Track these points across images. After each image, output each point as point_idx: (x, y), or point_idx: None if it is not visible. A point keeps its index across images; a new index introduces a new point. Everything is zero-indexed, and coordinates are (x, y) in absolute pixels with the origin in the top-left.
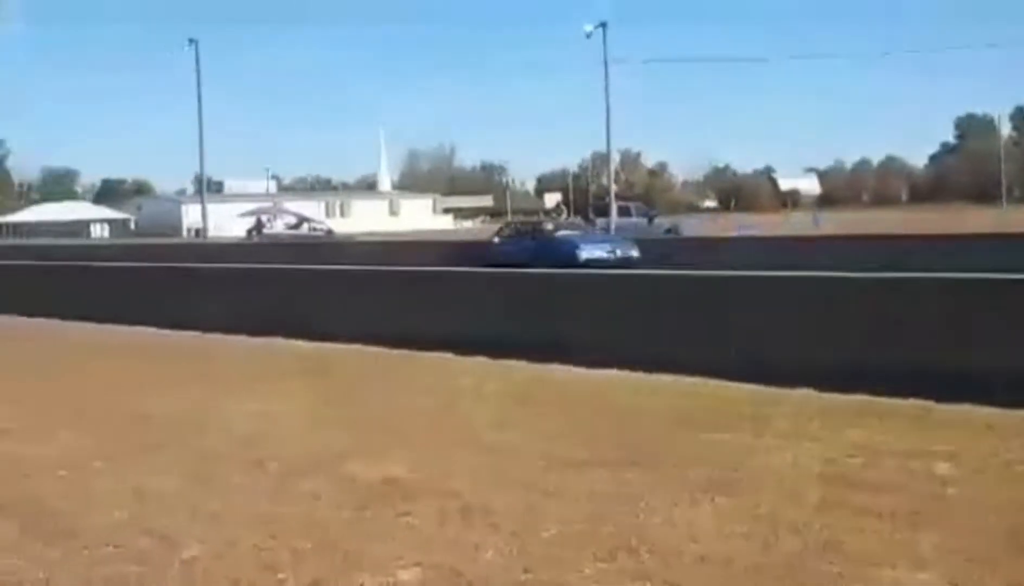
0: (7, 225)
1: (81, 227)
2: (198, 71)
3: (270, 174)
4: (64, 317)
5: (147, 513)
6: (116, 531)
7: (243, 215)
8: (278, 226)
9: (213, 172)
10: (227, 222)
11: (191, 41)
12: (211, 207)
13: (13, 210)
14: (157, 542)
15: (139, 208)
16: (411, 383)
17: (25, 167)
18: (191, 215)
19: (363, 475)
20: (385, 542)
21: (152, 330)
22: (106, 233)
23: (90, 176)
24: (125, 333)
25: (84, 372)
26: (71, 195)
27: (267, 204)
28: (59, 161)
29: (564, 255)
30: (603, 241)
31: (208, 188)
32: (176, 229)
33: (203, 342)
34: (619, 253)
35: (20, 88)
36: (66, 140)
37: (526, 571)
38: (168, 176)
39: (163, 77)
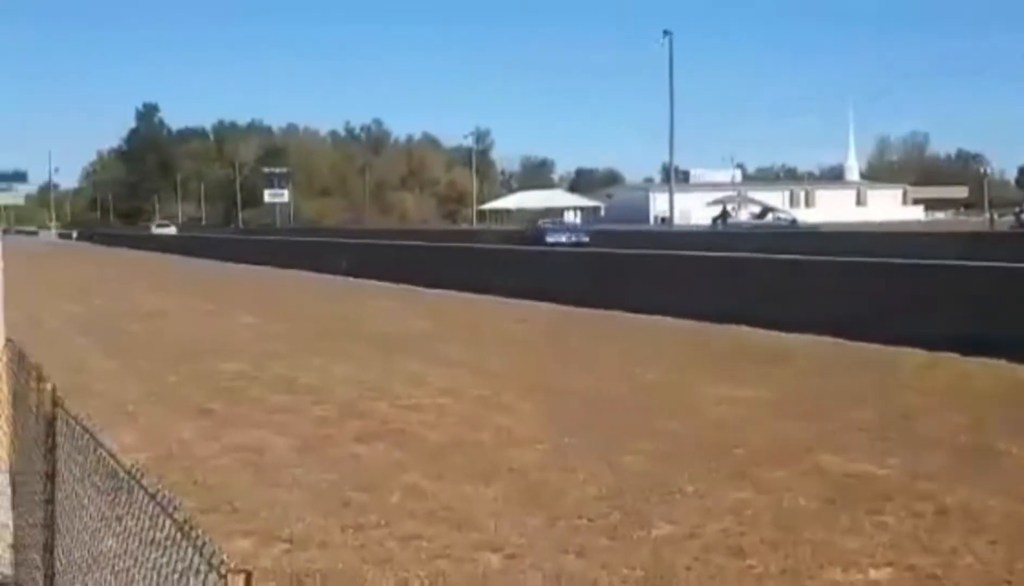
0: (490, 211)
1: (555, 214)
2: (671, 63)
3: (735, 163)
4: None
5: (620, 488)
6: (591, 504)
7: (709, 204)
8: (743, 215)
9: (680, 161)
10: (693, 211)
11: (665, 33)
12: (677, 196)
13: (495, 197)
14: (628, 517)
15: (609, 196)
16: (891, 380)
17: (507, 157)
18: (658, 204)
19: (832, 468)
20: (855, 537)
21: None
22: (578, 220)
23: (566, 166)
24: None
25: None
26: (548, 183)
27: (732, 193)
28: (538, 151)
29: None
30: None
31: (674, 177)
32: (643, 217)
33: (636, 320)
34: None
35: (500, 83)
36: (545, 131)
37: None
38: (637, 165)
39: (635, 67)
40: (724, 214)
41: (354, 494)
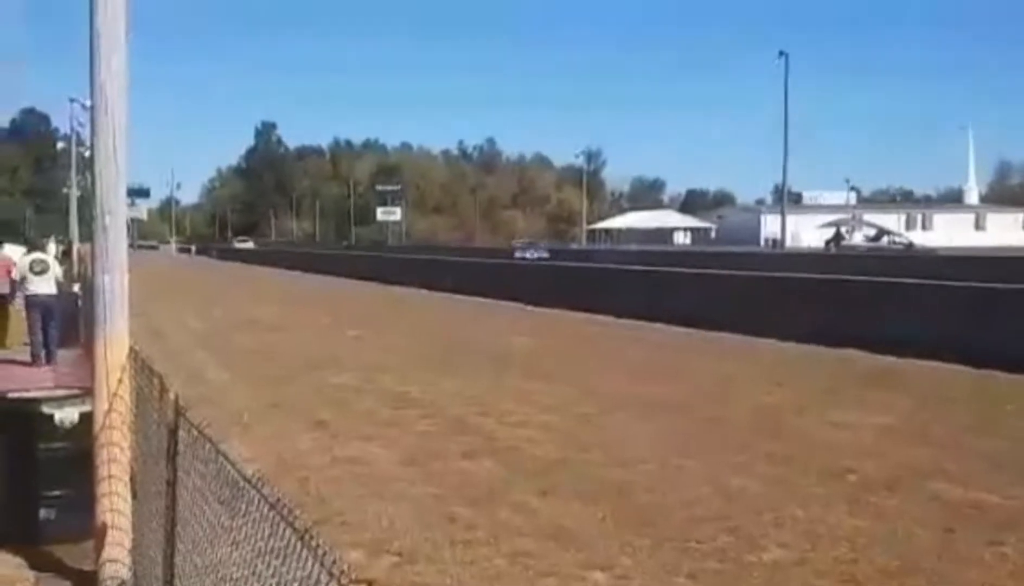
0: (599, 231)
1: (665, 234)
2: (786, 84)
3: (849, 185)
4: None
5: (730, 511)
6: (700, 526)
7: (821, 226)
8: (857, 238)
9: (792, 182)
10: (804, 233)
11: (781, 54)
12: (790, 218)
13: (605, 217)
14: (738, 540)
15: (719, 217)
16: (1012, 407)
17: (618, 177)
18: (769, 225)
19: (950, 496)
20: (974, 568)
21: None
22: (688, 240)
23: (676, 186)
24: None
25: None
26: (658, 204)
27: (846, 216)
28: (649, 172)
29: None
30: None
31: (786, 199)
32: (754, 238)
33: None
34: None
35: (612, 103)
36: (656, 152)
37: None
38: (749, 186)
39: (747, 86)
40: (838, 236)
41: (461, 509)
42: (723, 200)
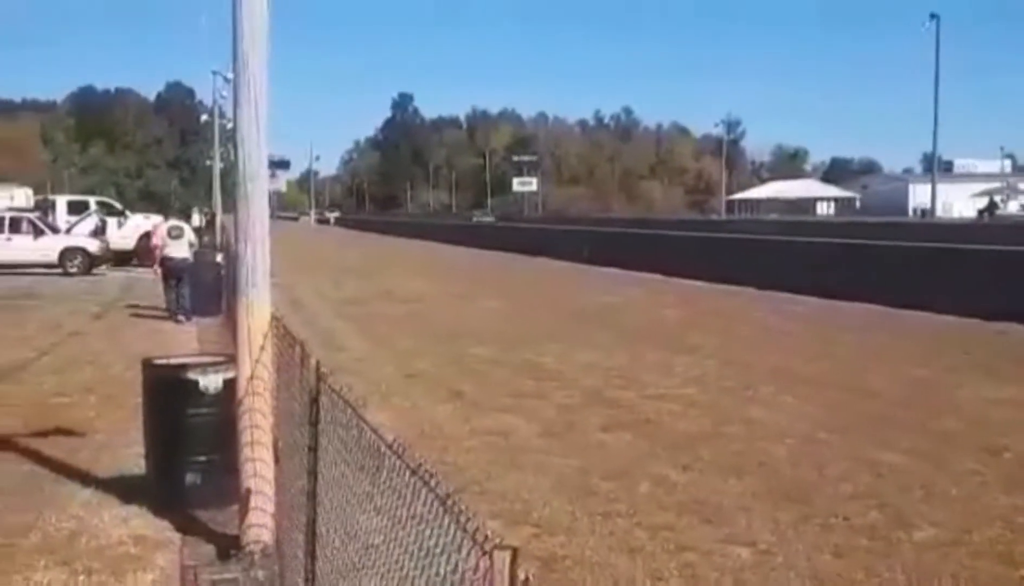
0: (739, 202)
1: (807, 204)
2: (937, 48)
3: (1004, 153)
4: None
5: (878, 488)
6: (847, 502)
7: (974, 196)
8: (1012, 207)
9: (943, 150)
10: (956, 202)
11: (932, 16)
12: (940, 187)
13: (745, 188)
14: (887, 518)
15: (864, 187)
16: None
17: (758, 146)
18: (918, 195)
19: None
20: None
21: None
22: (831, 211)
23: (820, 155)
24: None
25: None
26: (800, 174)
27: (1000, 185)
28: (791, 141)
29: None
30: None
31: (937, 167)
32: (902, 209)
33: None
34: None
35: (753, 71)
36: (798, 120)
37: None
38: (896, 154)
39: (896, 49)
40: (992, 206)
41: (601, 482)
42: (868, 169)
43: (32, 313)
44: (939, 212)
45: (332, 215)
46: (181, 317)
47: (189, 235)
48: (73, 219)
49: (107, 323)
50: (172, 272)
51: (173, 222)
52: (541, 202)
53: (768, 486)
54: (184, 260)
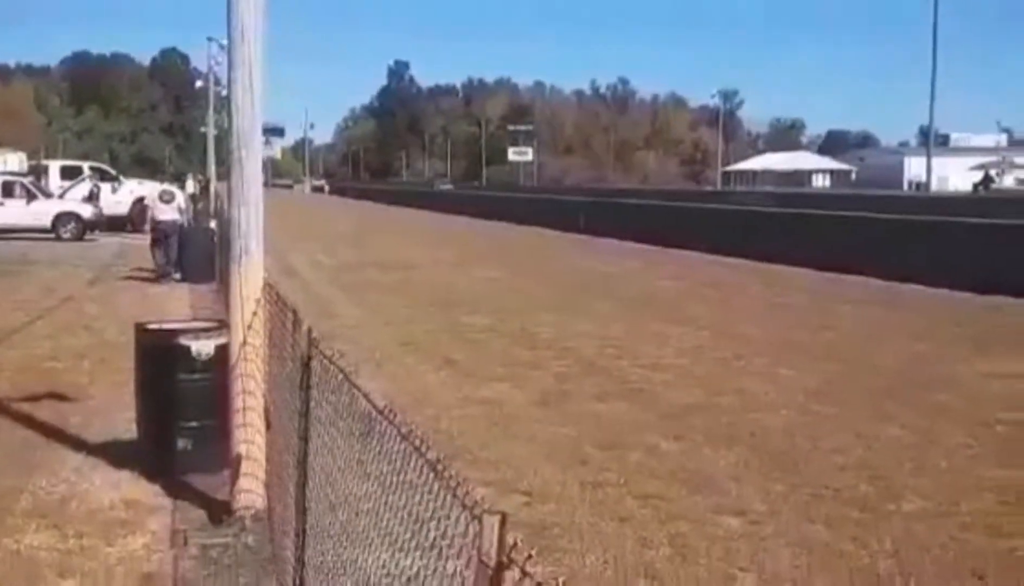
0: (735, 173)
1: (802, 177)
2: (935, 21)
3: (1001, 127)
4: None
5: (870, 460)
6: (838, 474)
7: (971, 169)
8: (1008, 181)
9: (939, 124)
10: (952, 177)
11: None
12: (936, 161)
13: (742, 159)
14: (878, 489)
15: (861, 160)
16: None
17: (755, 117)
18: (913, 168)
19: None
20: None
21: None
22: (827, 183)
23: (816, 127)
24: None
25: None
26: (796, 146)
27: (996, 158)
28: (788, 112)
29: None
30: None
31: (933, 141)
32: (897, 182)
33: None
34: None
35: (750, 41)
36: (795, 92)
37: None
38: (893, 128)
39: (895, 21)
40: (987, 179)
41: (593, 451)
42: (865, 142)
43: (25, 278)
44: (935, 186)
45: (318, 182)
46: (175, 274)
47: (179, 200)
48: (67, 184)
49: (100, 288)
50: (162, 234)
51: (165, 186)
52: (536, 172)
53: (760, 457)
54: (173, 222)
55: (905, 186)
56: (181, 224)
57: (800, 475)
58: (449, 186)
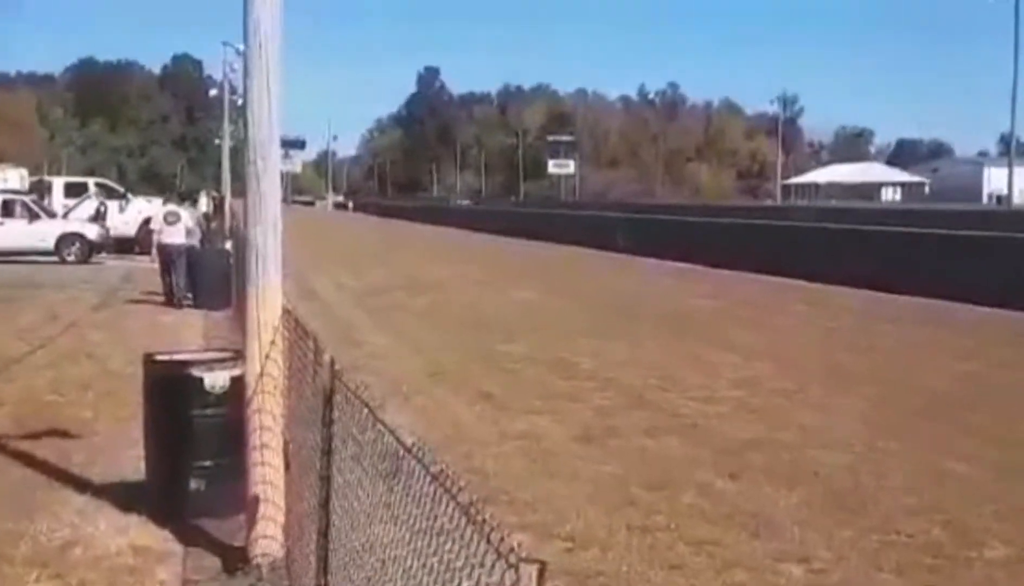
0: (795, 186)
1: (871, 190)
2: (1016, 17)
3: None
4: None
5: (944, 500)
6: (910, 517)
7: None
8: None
9: (1021, 131)
10: None
11: None
12: (1018, 171)
13: (803, 171)
14: (954, 534)
15: (934, 171)
16: None
17: (817, 126)
18: (993, 180)
19: None
20: None
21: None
22: (897, 197)
23: (886, 136)
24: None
25: None
26: (863, 156)
27: None
28: (853, 120)
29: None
30: None
31: (1015, 149)
32: (975, 195)
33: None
34: None
35: (811, 43)
36: (861, 97)
37: None
38: (970, 136)
39: (971, 20)
40: None
41: (640, 492)
42: (939, 151)
43: (26, 303)
44: (1017, 199)
45: (340, 198)
46: (186, 300)
47: (187, 220)
48: (71, 202)
49: (106, 314)
50: (169, 258)
51: (170, 207)
52: (578, 186)
53: (824, 497)
54: (180, 246)
55: (984, 199)
56: (190, 247)
57: (868, 517)
58: (466, 202)
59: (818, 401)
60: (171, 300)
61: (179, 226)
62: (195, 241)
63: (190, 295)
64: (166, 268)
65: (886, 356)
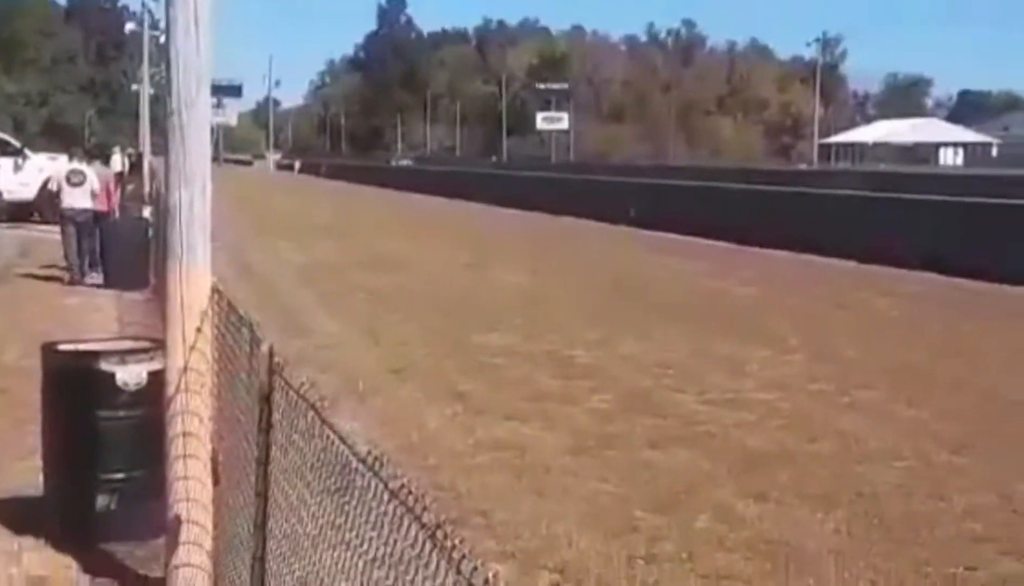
0: (837, 146)
1: (928, 151)
2: None
3: None
4: None
5: (1017, 525)
6: (974, 546)
7: None
8: None
9: None
10: None
11: None
12: None
13: (846, 128)
14: None
15: (1005, 129)
16: None
17: (864, 73)
18: None
19: None
20: None
21: None
22: (959, 160)
23: (945, 86)
24: None
25: None
26: (919, 110)
27: None
28: (907, 66)
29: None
30: None
31: None
32: None
33: None
34: None
35: None
36: (917, 39)
37: None
38: None
39: None
40: None
41: (645, 514)
42: (1011, 105)
43: None
44: None
45: (283, 157)
46: (93, 277)
47: (93, 181)
48: None
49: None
50: (73, 225)
51: (74, 165)
52: (573, 144)
53: (869, 523)
54: (85, 210)
55: None
56: (96, 212)
57: (922, 547)
58: (408, 162)
59: (867, 406)
60: (76, 276)
61: (84, 188)
62: (100, 206)
63: (100, 271)
64: (69, 238)
65: (963, 356)
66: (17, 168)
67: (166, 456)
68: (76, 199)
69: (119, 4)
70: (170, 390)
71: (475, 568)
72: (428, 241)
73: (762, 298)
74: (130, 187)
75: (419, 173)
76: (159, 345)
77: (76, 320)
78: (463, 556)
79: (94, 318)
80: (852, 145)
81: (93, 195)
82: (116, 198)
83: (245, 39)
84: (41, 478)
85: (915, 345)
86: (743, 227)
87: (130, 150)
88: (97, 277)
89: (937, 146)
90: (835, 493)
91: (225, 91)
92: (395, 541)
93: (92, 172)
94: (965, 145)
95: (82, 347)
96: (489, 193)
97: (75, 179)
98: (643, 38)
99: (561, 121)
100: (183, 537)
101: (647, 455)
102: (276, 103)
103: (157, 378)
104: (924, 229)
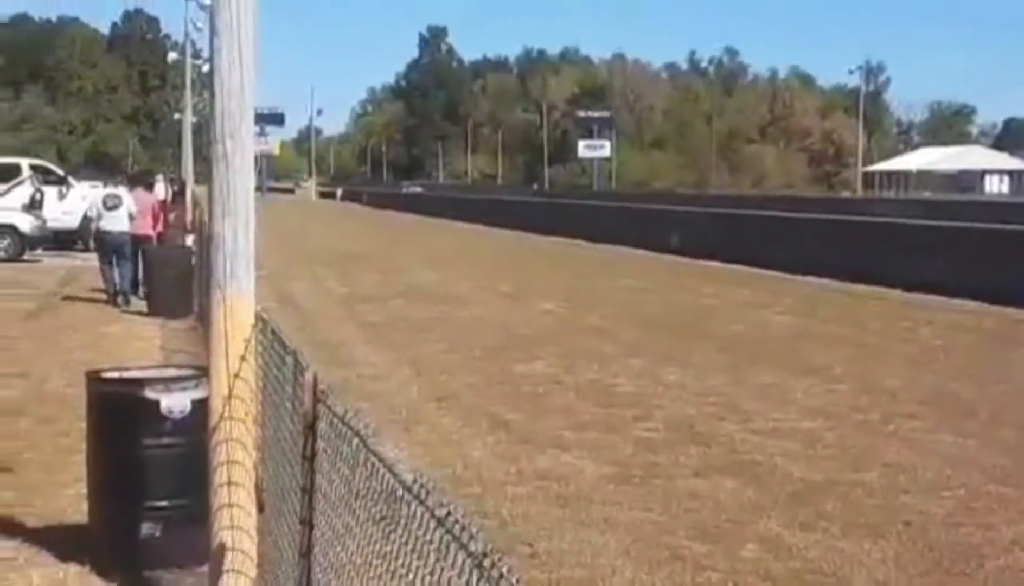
0: (880, 174)
1: (972, 179)
2: None
3: None
4: None
5: None
6: (1021, 577)
7: None
8: None
9: None
10: None
11: None
12: None
13: (890, 155)
14: None
15: None
16: None
17: (907, 101)
18: None
19: None
20: None
21: None
22: (1005, 188)
23: (990, 114)
24: None
25: None
26: (964, 138)
27: None
28: (951, 94)
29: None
30: None
31: None
32: None
33: None
34: None
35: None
36: (961, 67)
37: None
38: None
39: None
40: None
41: (690, 543)
42: None
43: None
44: None
45: (309, 184)
46: (133, 301)
47: (129, 204)
48: (0, 188)
49: (43, 324)
50: (109, 249)
51: (110, 190)
52: (615, 171)
53: (918, 554)
54: (122, 234)
55: None
56: (134, 236)
57: (971, 579)
58: (418, 189)
59: (912, 436)
60: (114, 299)
61: (121, 211)
62: (138, 230)
63: (140, 294)
64: (107, 262)
65: (1008, 385)
66: (61, 196)
67: (210, 484)
68: (112, 222)
69: (162, 34)
70: (214, 418)
71: None
72: (468, 270)
73: (805, 326)
74: (173, 215)
75: (462, 202)
76: (203, 373)
77: (120, 348)
78: (512, 584)
79: (137, 346)
80: (895, 173)
81: (131, 218)
82: (161, 221)
83: (288, 68)
84: (86, 505)
85: (960, 374)
86: (786, 255)
87: (173, 178)
88: (141, 305)
89: (983, 174)
90: (882, 523)
91: (268, 119)
92: (441, 569)
93: (128, 196)
94: (1011, 173)
95: (126, 375)
96: (530, 221)
97: (111, 202)
98: (684, 66)
99: (603, 148)
100: (227, 565)
101: (692, 484)
102: (318, 131)
103: (201, 406)
104: (967, 257)
